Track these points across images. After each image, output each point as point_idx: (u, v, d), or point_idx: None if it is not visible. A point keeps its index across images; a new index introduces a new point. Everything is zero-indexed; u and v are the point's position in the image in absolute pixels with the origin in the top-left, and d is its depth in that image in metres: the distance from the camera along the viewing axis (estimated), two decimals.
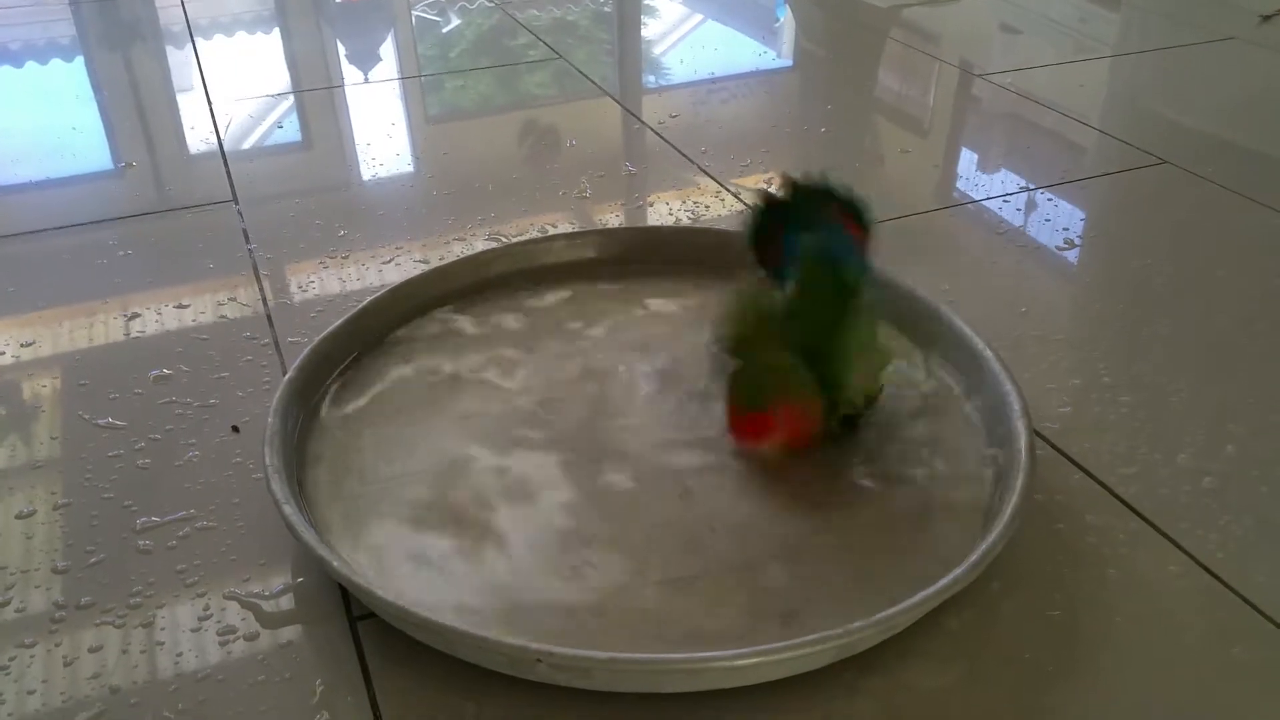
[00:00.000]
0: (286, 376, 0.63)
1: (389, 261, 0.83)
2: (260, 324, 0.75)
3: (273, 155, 1.06)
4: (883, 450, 0.61)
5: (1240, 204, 0.91)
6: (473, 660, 0.48)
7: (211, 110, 1.13)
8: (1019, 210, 0.91)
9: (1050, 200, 0.93)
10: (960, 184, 0.97)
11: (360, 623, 0.51)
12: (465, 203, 0.93)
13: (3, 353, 0.73)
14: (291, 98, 1.19)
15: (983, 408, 0.62)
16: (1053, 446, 0.62)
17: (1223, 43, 1.32)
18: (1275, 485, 0.60)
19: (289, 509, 0.52)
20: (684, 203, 0.92)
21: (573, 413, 0.64)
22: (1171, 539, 0.56)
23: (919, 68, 1.28)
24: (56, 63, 1.33)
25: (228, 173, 0.99)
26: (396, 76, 1.26)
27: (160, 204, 0.94)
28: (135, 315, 0.76)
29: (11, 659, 0.50)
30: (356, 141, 1.07)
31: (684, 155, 1.02)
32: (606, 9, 1.51)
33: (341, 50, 1.38)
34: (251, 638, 0.51)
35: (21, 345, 0.74)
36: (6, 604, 0.53)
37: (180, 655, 0.50)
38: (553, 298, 0.75)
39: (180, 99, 1.19)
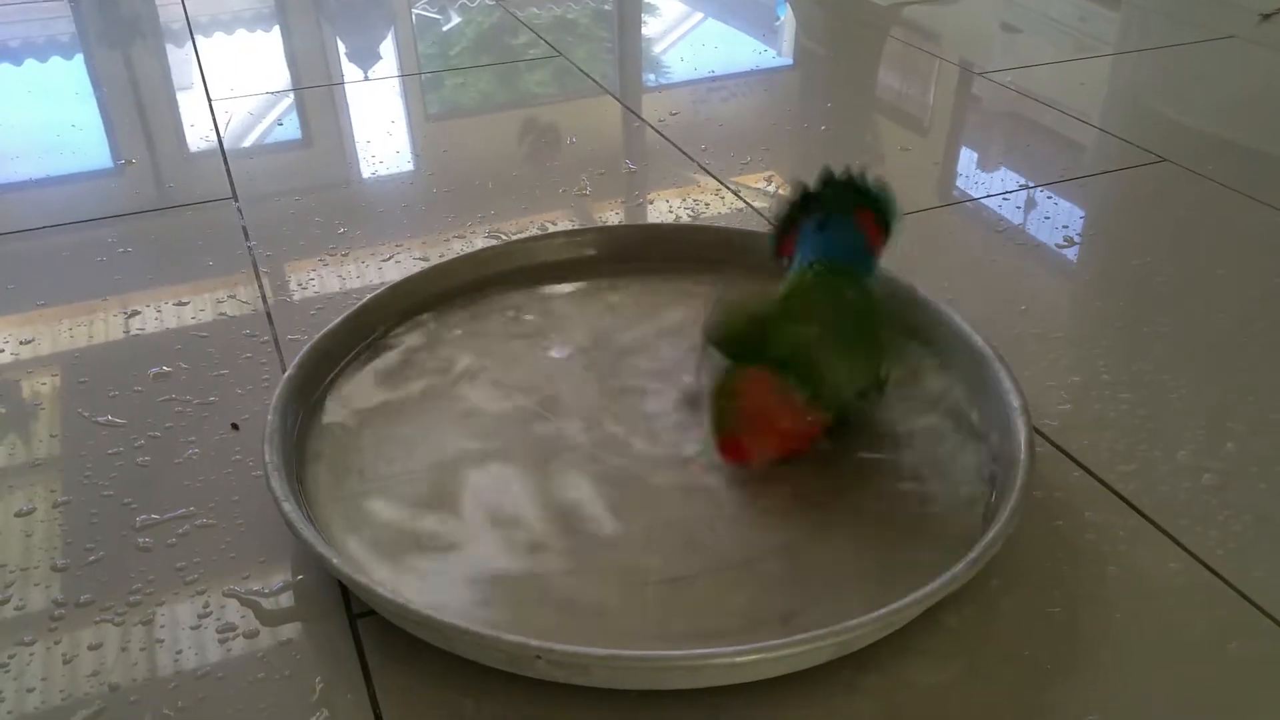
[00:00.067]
0: (286, 374, 0.63)
1: (389, 259, 0.83)
2: (260, 321, 0.75)
3: (272, 153, 1.06)
4: (882, 448, 0.61)
5: (1240, 202, 0.91)
6: (472, 657, 0.48)
7: (211, 108, 1.13)
8: (1019, 208, 0.91)
9: (1050, 198, 0.93)
10: (960, 182, 0.97)
11: (360, 620, 0.51)
12: (465, 200, 0.93)
13: (2, 350, 0.73)
14: (291, 95, 1.19)
15: (982, 405, 0.62)
16: (1052, 444, 0.62)
17: (1223, 41, 1.32)
18: (1275, 482, 0.60)
19: (289, 506, 0.52)
20: (684, 200, 0.92)
21: (572, 411, 0.64)
22: (1171, 536, 0.56)
23: (919, 66, 1.28)
24: (56, 60, 1.33)
25: (227, 170, 0.99)
26: (397, 74, 1.26)
27: (160, 201, 0.94)
28: (135, 313, 0.76)
29: (11, 657, 0.50)
30: (356, 139, 1.07)
31: (684, 153, 1.02)
32: (607, 7, 1.51)
33: (341, 48, 1.38)
34: (251, 635, 0.51)
35: (21, 343, 0.74)
36: (6, 602, 0.53)
37: (180, 653, 0.50)
38: (553, 296, 0.75)
39: (180, 96, 1.19)
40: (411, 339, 0.70)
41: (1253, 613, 0.52)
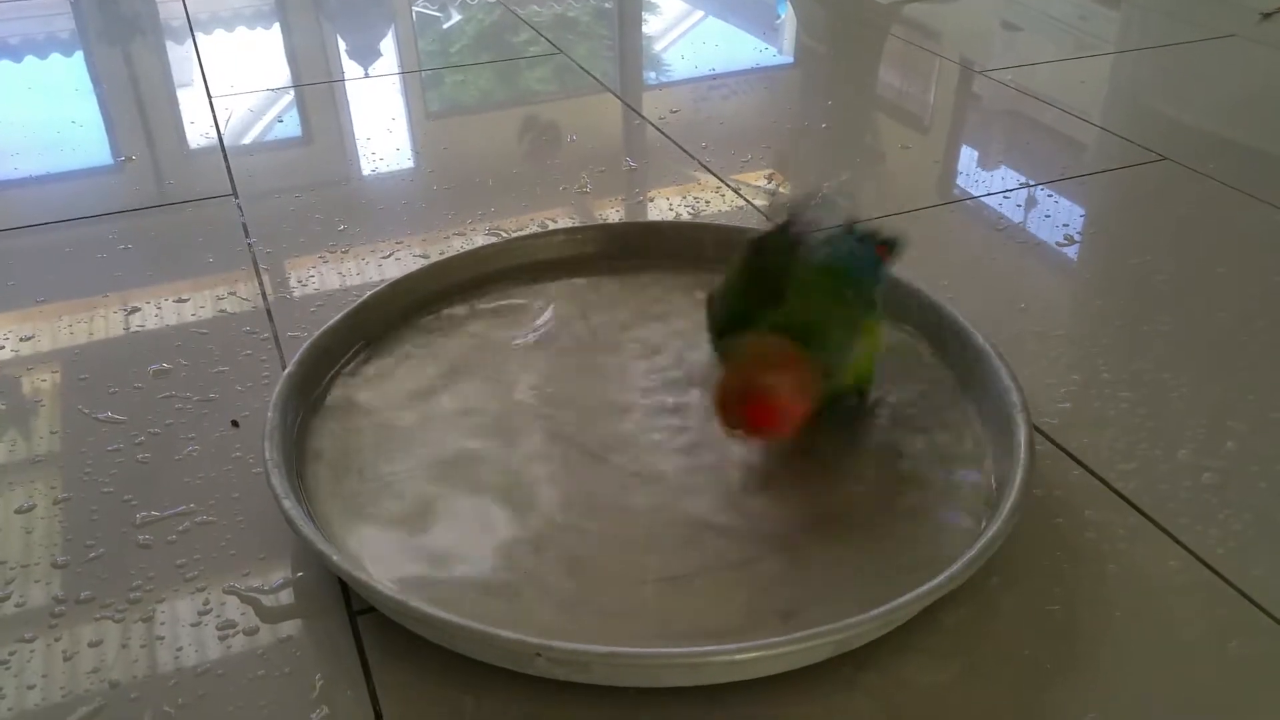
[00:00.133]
0: (286, 371, 0.63)
1: (389, 256, 0.83)
2: (260, 318, 0.75)
3: (273, 150, 1.06)
4: (881, 446, 0.61)
5: (1240, 200, 0.91)
6: (472, 654, 0.48)
7: (211, 105, 1.13)
8: (1019, 206, 0.91)
9: (1050, 196, 0.93)
10: (960, 180, 0.97)
11: (360, 617, 0.51)
12: (465, 198, 0.93)
13: (2, 347, 0.73)
14: (291, 92, 1.19)
15: (982, 403, 0.62)
16: (1052, 442, 0.62)
17: (1223, 40, 1.32)
18: (1275, 481, 0.60)
19: (289, 503, 0.53)
20: (684, 198, 0.92)
21: (572, 408, 0.64)
22: (1171, 534, 0.56)
23: (920, 64, 1.28)
24: (56, 57, 1.33)
25: (227, 167, 0.99)
26: (397, 71, 1.26)
27: (160, 198, 0.94)
28: (135, 309, 0.76)
29: (11, 653, 0.50)
30: (356, 136, 1.07)
31: (685, 151, 1.02)
32: (607, 4, 1.51)
33: (342, 45, 1.38)
34: (251, 632, 0.51)
35: (21, 339, 0.73)
36: (6, 598, 0.53)
37: (180, 650, 0.50)
38: (552, 293, 0.75)
39: (180, 93, 1.19)
40: (411, 336, 0.70)
41: (1253, 611, 0.52)
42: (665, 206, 0.92)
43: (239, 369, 0.70)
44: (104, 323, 0.75)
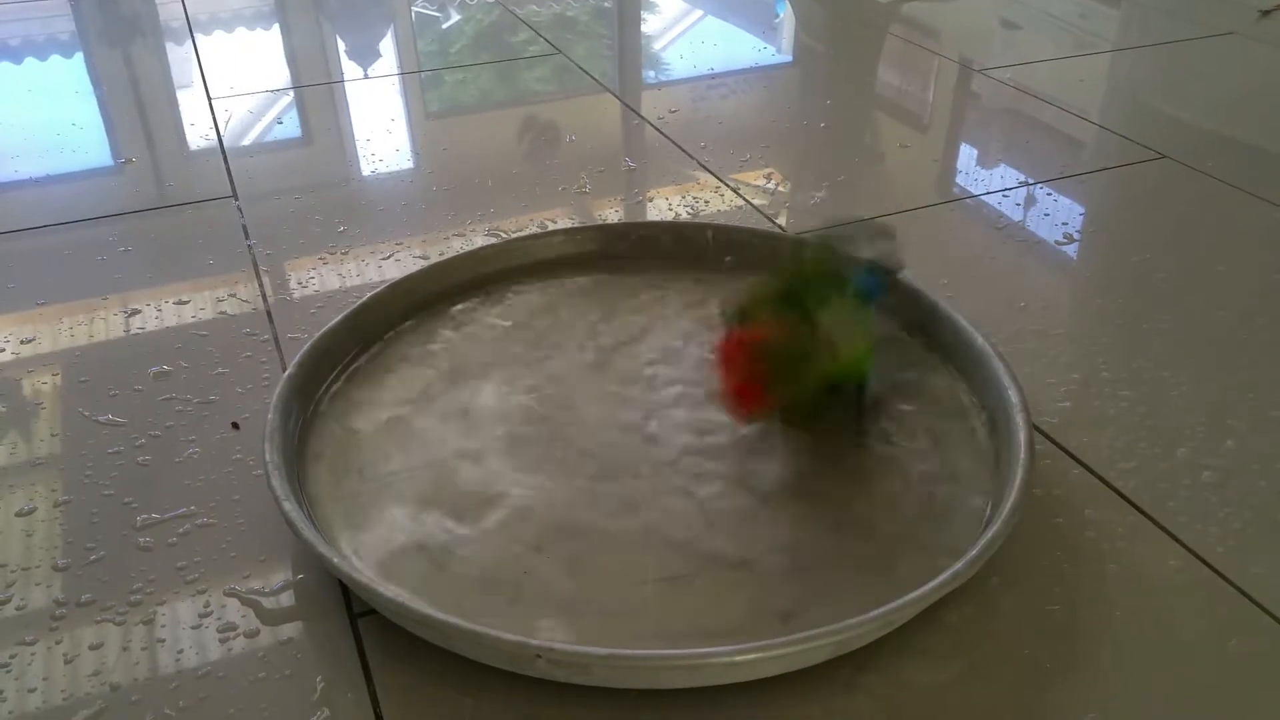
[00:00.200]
0: (286, 373, 0.63)
1: (389, 257, 0.83)
2: (260, 320, 0.75)
3: (272, 151, 1.06)
4: (880, 445, 0.61)
5: (1240, 199, 0.91)
6: (473, 656, 0.48)
7: (211, 106, 1.13)
8: (1018, 205, 0.91)
9: (1049, 195, 0.93)
10: (960, 179, 0.97)
11: (360, 619, 0.51)
12: (465, 198, 0.93)
13: (3, 349, 0.73)
14: (291, 93, 1.19)
15: (981, 402, 0.62)
16: (1051, 441, 0.62)
17: (1222, 38, 1.32)
18: (1275, 479, 0.60)
19: (289, 506, 0.53)
20: (684, 198, 0.92)
21: (571, 408, 0.64)
22: (1171, 533, 0.56)
23: (919, 63, 1.28)
24: (56, 58, 1.33)
25: (227, 169, 0.99)
26: (396, 72, 1.26)
27: (160, 200, 0.94)
28: (135, 311, 0.76)
29: (12, 656, 0.50)
30: (356, 137, 1.07)
31: (684, 150, 1.02)
32: (606, 4, 1.51)
33: (341, 46, 1.38)
34: (252, 635, 0.51)
35: (21, 342, 0.74)
36: (7, 601, 0.53)
37: (181, 652, 0.50)
38: (552, 294, 0.75)
39: (180, 95, 1.19)
40: (412, 337, 0.70)
41: (1253, 610, 0.52)
42: (664, 206, 0.92)
43: (239, 371, 0.70)
44: (104, 325, 0.75)
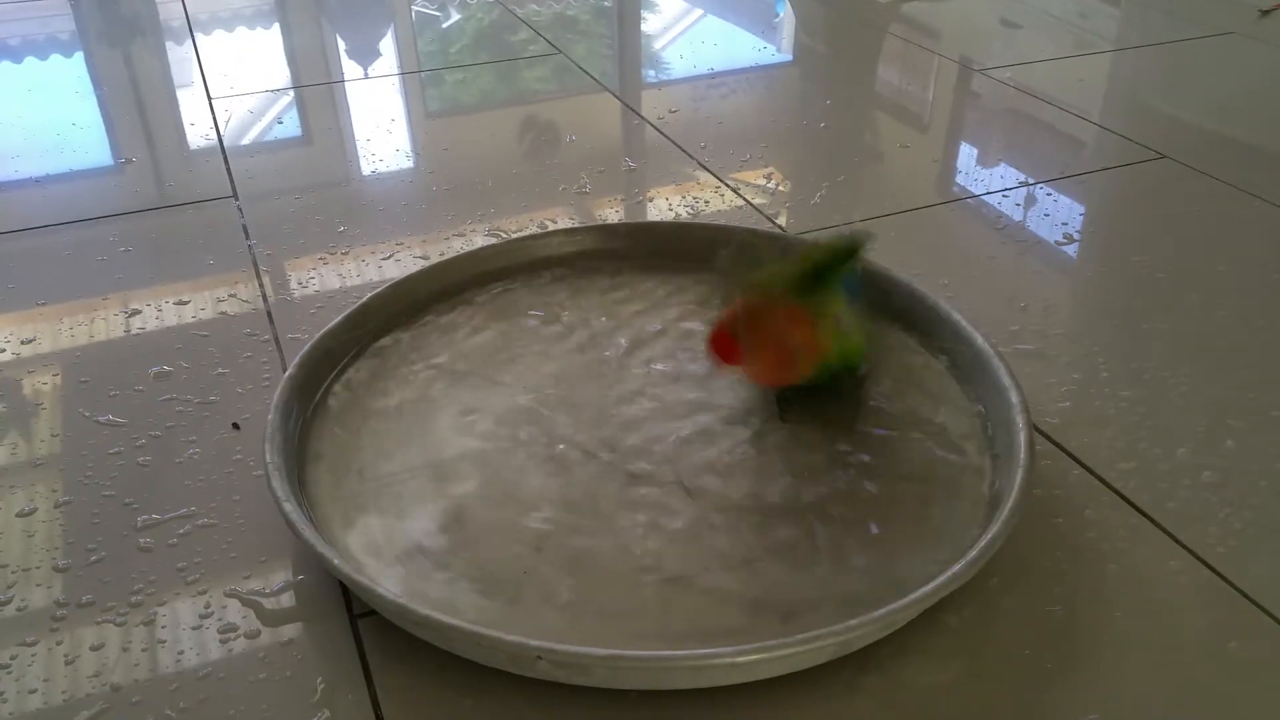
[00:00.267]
0: (287, 373, 0.63)
1: (389, 257, 0.83)
2: (260, 320, 0.75)
3: (273, 151, 1.06)
4: (880, 446, 0.61)
5: (1240, 198, 0.91)
6: (473, 657, 0.48)
7: (211, 106, 1.13)
8: (1018, 205, 0.91)
9: (1049, 195, 0.93)
10: (960, 179, 0.97)
11: (361, 620, 0.51)
12: (465, 198, 0.93)
13: (3, 349, 0.73)
14: (291, 93, 1.19)
15: (981, 403, 0.62)
16: (1052, 441, 0.62)
17: (1222, 38, 1.32)
18: (1275, 480, 0.60)
19: (290, 506, 0.53)
20: (683, 198, 0.92)
21: (572, 408, 0.64)
22: (1171, 534, 0.56)
23: (919, 63, 1.28)
24: (56, 58, 1.33)
25: (228, 168, 0.99)
26: (396, 72, 1.26)
27: (160, 200, 0.94)
28: (135, 312, 0.76)
29: (13, 657, 0.50)
30: (356, 137, 1.07)
31: (683, 150, 1.02)
32: (606, 4, 1.51)
33: (341, 45, 1.38)
34: (252, 635, 0.51)
35: (22, 342, 0.74)
36: (8, 602, 0.53)
37: (181, 653, 0.50)
38: (552, 294, 0.75)
39: (180, 94, 1.19)
40: (412, 338, 0.70)
41: (1253, 611, 0.52)
42: (664, 206, 0.92)
43: (240, 371, 0.70)
44: (104, 325, 0.75)
